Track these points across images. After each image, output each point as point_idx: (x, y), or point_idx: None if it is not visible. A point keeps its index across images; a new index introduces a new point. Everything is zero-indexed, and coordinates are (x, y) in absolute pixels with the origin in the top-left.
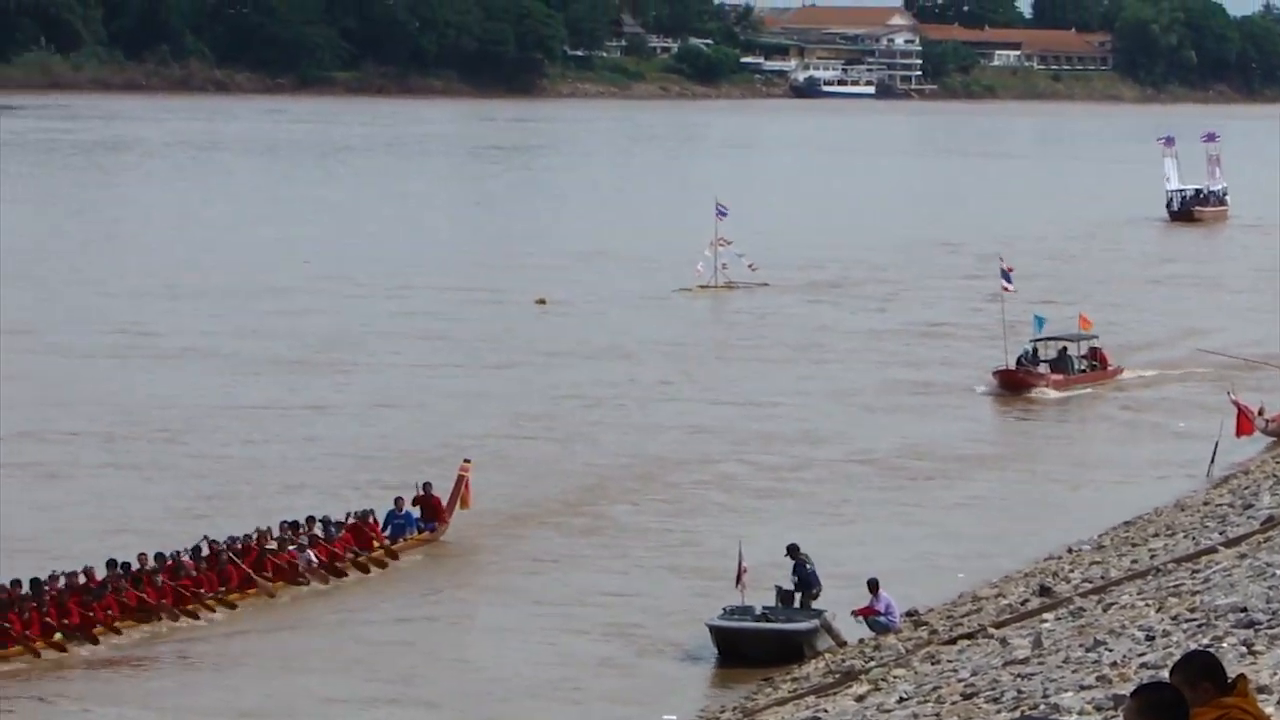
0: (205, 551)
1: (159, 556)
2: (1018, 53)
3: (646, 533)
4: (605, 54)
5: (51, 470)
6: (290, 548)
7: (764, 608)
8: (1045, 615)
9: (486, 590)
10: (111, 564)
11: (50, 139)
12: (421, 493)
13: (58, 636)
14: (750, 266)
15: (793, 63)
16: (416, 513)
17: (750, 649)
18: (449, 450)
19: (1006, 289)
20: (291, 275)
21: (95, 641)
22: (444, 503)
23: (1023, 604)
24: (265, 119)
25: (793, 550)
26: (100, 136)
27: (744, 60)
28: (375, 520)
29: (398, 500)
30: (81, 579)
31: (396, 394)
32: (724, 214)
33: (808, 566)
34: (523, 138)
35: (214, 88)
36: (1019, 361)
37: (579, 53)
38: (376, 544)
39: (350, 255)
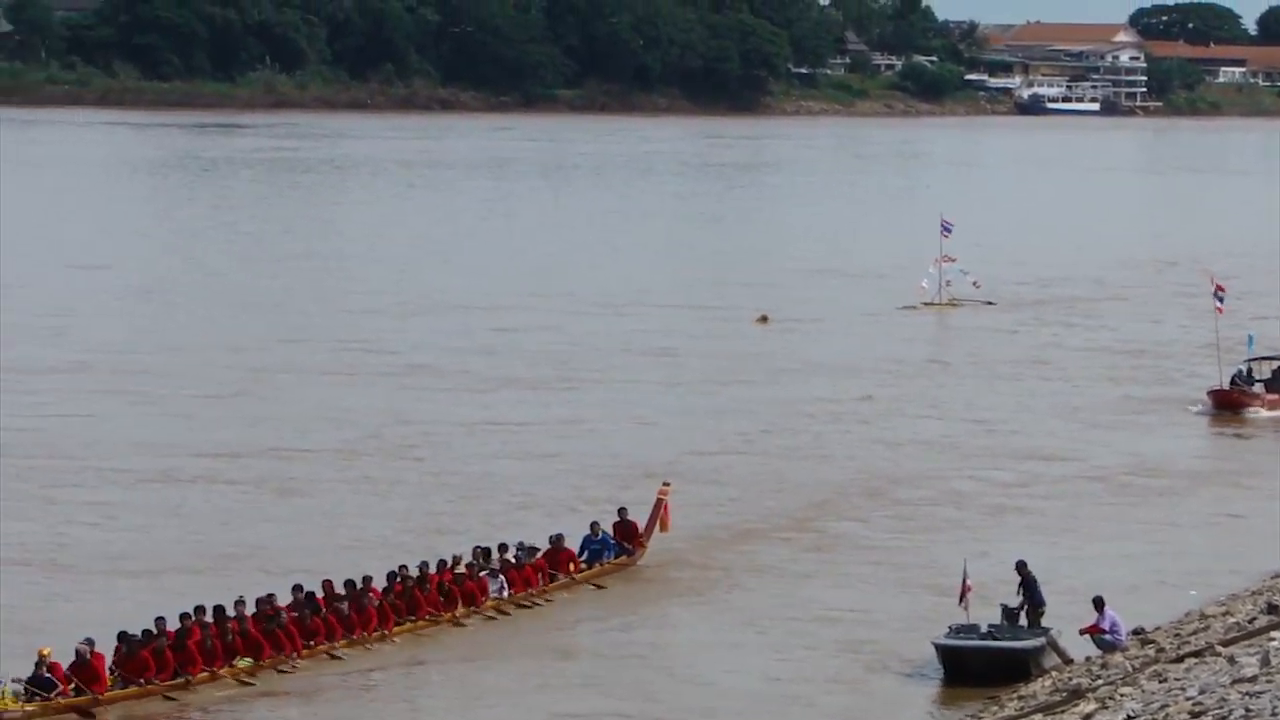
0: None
1: (348, 584)
2: (1242, 70)
3: (874, 548)
4: (829, 71)
5: (286, 486)
6: (482, 574)
7: (990, 626)
8: (1274, 633)
9: (716, 606)
10: (297, 589)
11: (277, 157)
12: (618, 518)
13: (242, 663)
14: (974, 284)
15: (1017, 80)
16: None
17: (976, 667)
18: (673, 466)
19: (1219, 310)
20: (519, 292)
21: (282, 669)
22: (640, 527)
23: (1250, 622)
24: (489, 137)
25: (1021, 567)
26: (326, 155)
27: (968, 78)
28: (569, 548)
29: (593, 525)
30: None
31: (621, 410)
32: (949, 231)
33: (1035, 584)
34: (747, 155)
35: (438, 106)
36: (1233, 381)
37: (803, 70)
38: (570, 569)
39: (577, 272)
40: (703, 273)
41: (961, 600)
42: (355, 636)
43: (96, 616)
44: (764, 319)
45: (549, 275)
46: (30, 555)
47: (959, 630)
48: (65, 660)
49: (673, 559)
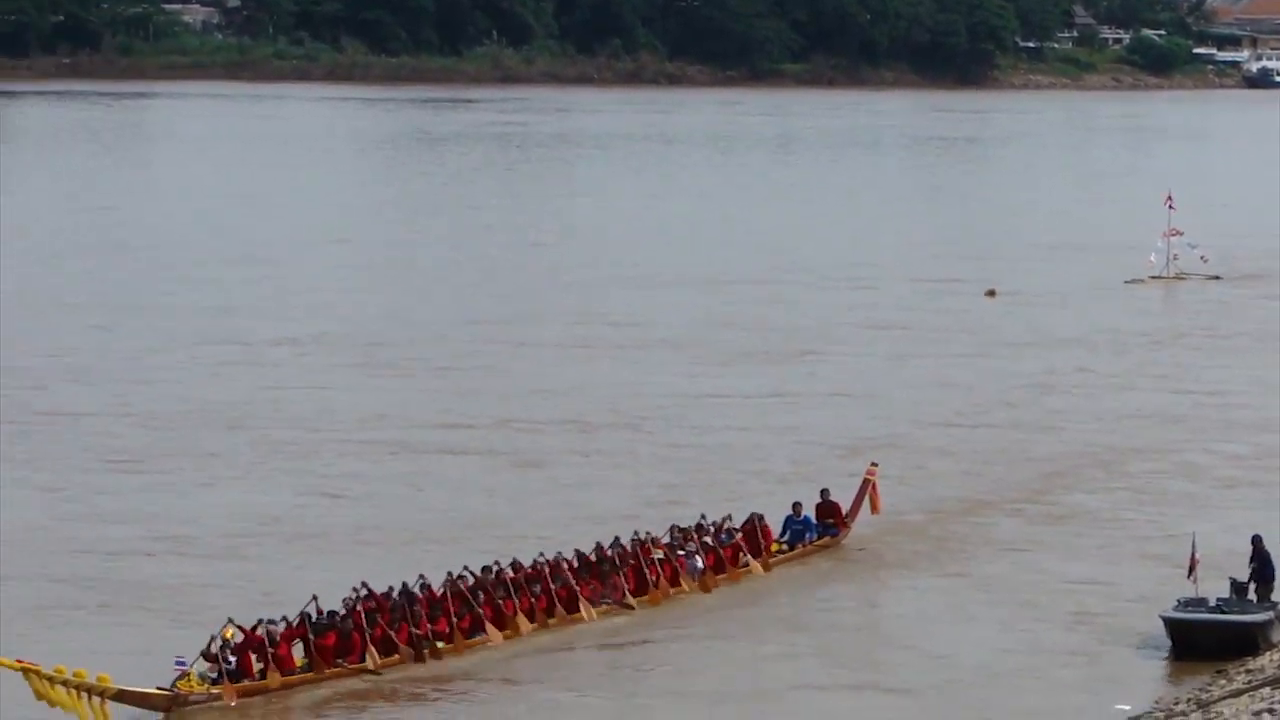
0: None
1: (534, 565)
2: None
3: (1105, 520)
4: (1056, 45)
5: (522, 459)
6: (679, 553)
7: (1218, 599)
8: None
9: (947, 578)
10: (486, 570)
11: (506, 132)
12: (820, 499)
13: (430, 646)
14: (1202, 258)
15: (1245, 53)
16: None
17: (1204, 641)
18: (903, 439)
19: None
20: (749, 266)
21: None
22: (844, 508)
23: None
24: (717, 112)
25: (1256, 541)
26: (555, 130)
27: (1196, 51)
28: (767, 526)
29: (796, 505)
30: (469, 580)
31: (852, 383)
32: (1175, 206)
33: (1268, 559)
34: (974, 129)
35: (665, 80)
36: None
37: (1030, 44)
38: (773, 549)
39: (806, 246)
40: (931, 247)
41: (1190, 574)
42: (554, 618)
43: (329, 584)
44: (992, 293)
45: (779, 249)
46: (269, 528)
47: (1187, 604)
48: (252, 641)
49: (902, 531)
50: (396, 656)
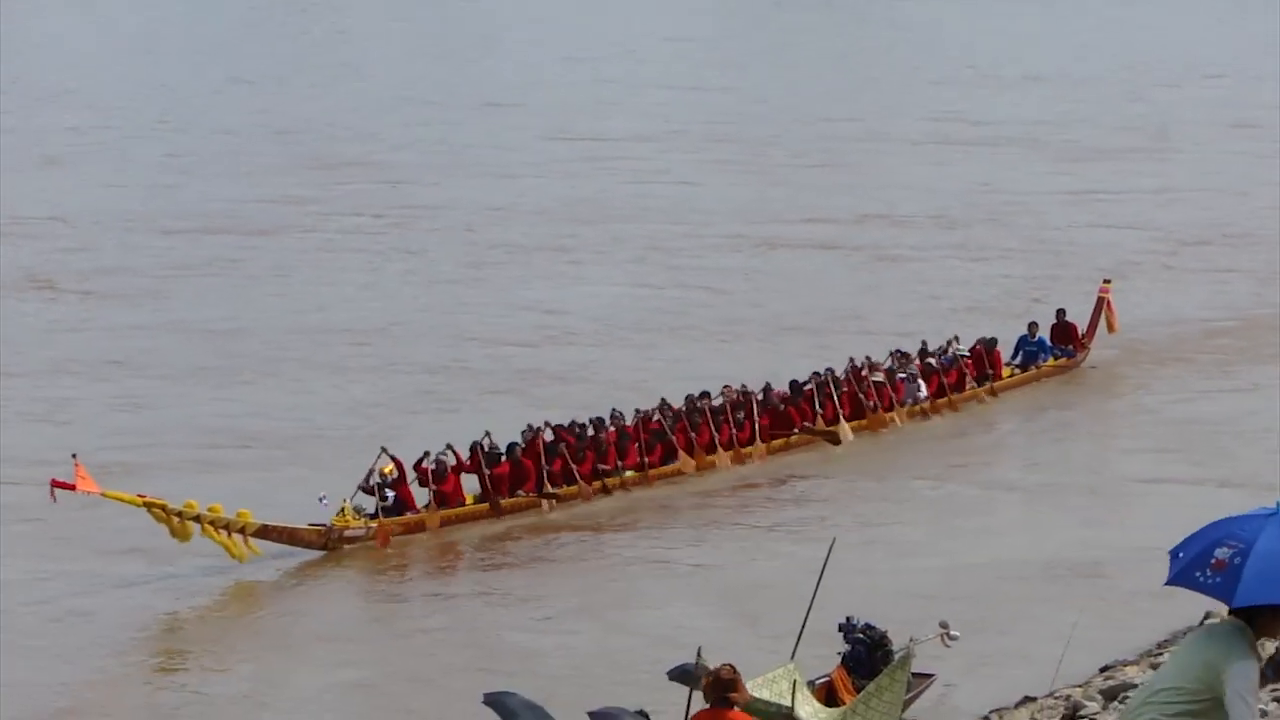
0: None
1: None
2: None
3: None
4: None
5: (881, 253)
6: (900, 377)
7: None
8: None
9: (1185, 399)
10: (689, 399)
11: None
12: (1056, 319)
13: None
14: None
15: None
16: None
17: None
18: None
19: None
20: (1097, 67)
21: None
22: (1080, 329)
23: None
24: None
25: None
26: None
27: None
28: (998, 351)
29: (1031, 326)
30: (657, 416)
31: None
32: None
33: None
34: None
35: None
36: None
37: None
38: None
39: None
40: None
41: None
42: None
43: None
44: None
45: (1141, 48)
46: (621, 317)
47: None
48: (417, 473)
49: (1142, 352)
50: (575, 489)
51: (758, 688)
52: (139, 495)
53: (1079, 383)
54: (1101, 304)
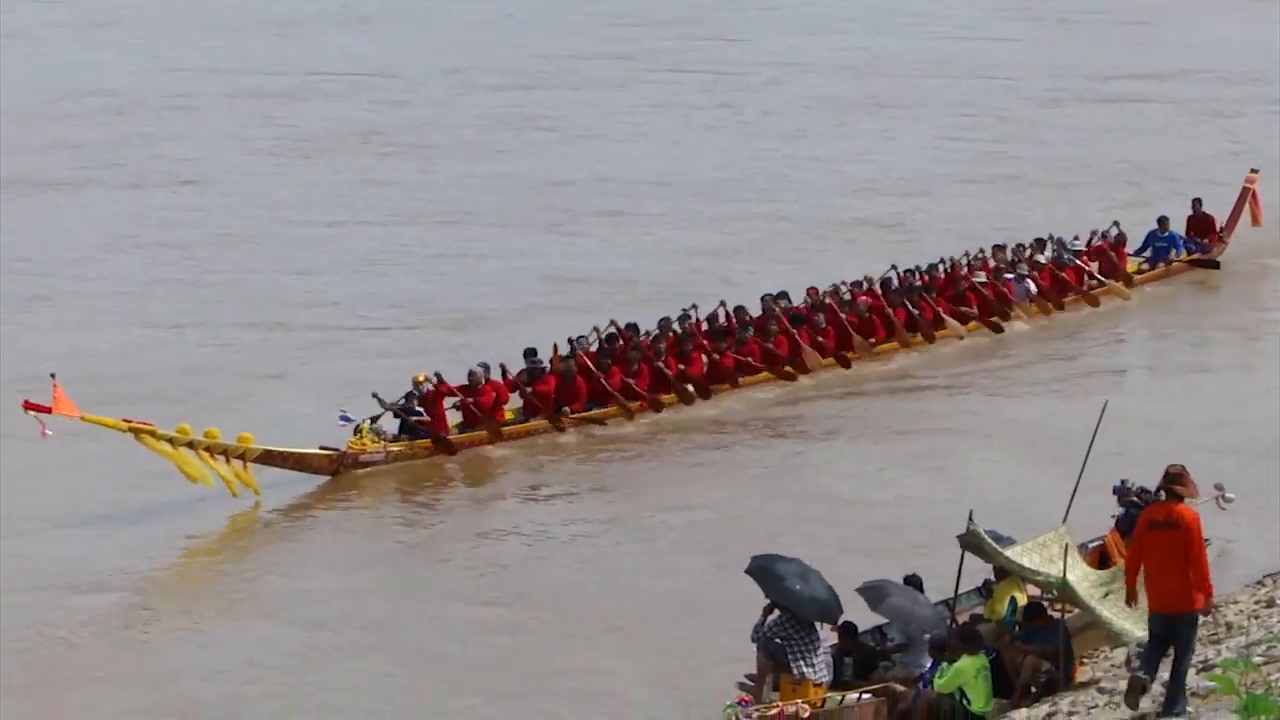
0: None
1: (856, 283)
2: None
3: None
4: None
5: (1206, 107)
6: (1007, 276)
7: None
8: None
9: None
10: (766, 299)
11: None
12: (1192, 210)
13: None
14: None
15: None
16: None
17: None
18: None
19: None
20: None
21: (706, 395)
22: (1219, 222)
23: None
24: None
25: None
26: None
27: None
28: (1123, 243)
29: (1161, 220)
30: (721, 318)
31: None
32: None
33: None
34: None
35: None
36: None
37: None
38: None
39: None
40: None
41: None
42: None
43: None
44: None
45: None
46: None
47: None
48: (449, 390)
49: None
50: (636, 404)
51: (1028, 552)
52: (124, 420)
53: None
54: (1245, 194)
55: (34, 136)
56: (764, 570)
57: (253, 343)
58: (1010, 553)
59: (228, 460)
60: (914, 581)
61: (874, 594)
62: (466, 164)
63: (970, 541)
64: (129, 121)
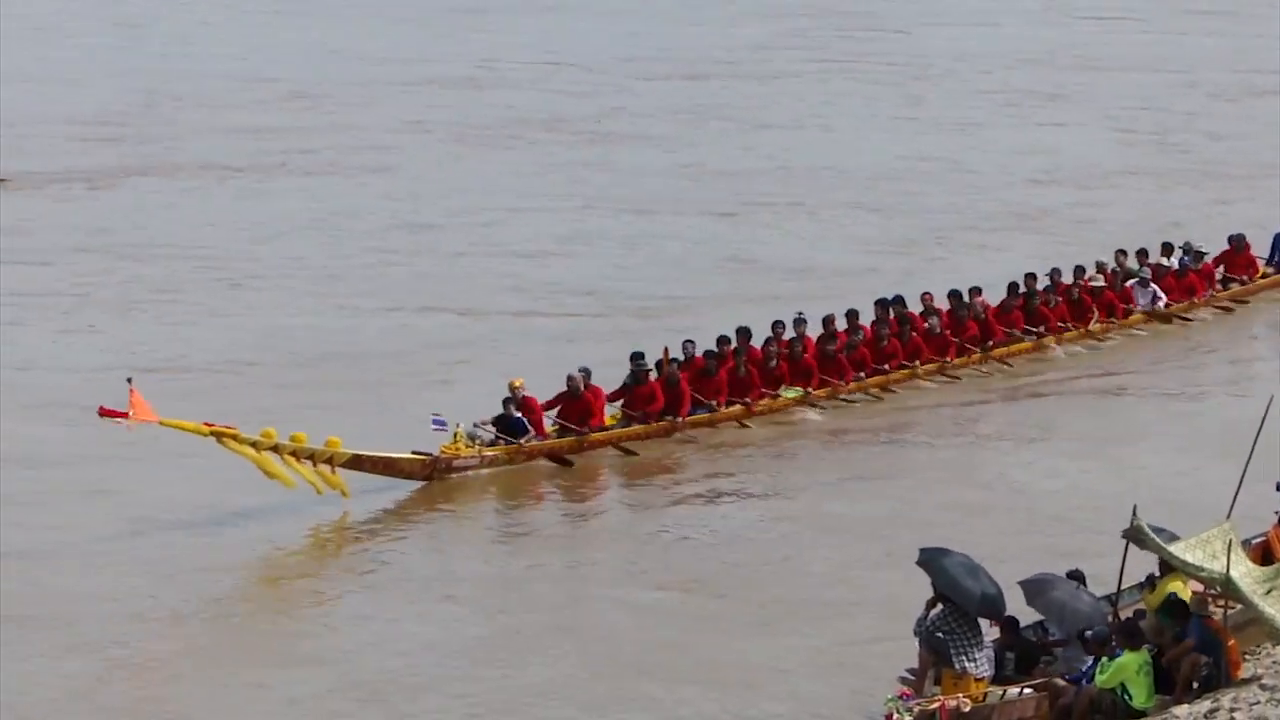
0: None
1: (954, 295)
2: None
3: None
4: None
5: None
6: (1128, 283)
7: None
8: None
9: None
10: (881, 304)
11: None
12: None
13: (790, 393)
14: None
15: None
16: None
17: None
18: None
19: None
20: None
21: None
22: None
23: None
24: None
25: None
26: None
27: None
28: (1248, 247)
29: None
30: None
31: None
32: None
33: None
34: None
35: None
36: None
37: None
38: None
39: None
40: None
41: None
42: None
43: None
44: None
45: None
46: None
47: None
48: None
49: None
50: (737, 409)
51: (1190, 549)
52: (205, 424)
53: None
54: None
55: (222, 121)
56: (933, 563)
57: (443, 326)
58: (1174, 548)
59: (314, 464)
60: (1076, 576)
61: (1034, 588)
62: (648, 153)
63: (1134, 536)
64: (317, 109)
